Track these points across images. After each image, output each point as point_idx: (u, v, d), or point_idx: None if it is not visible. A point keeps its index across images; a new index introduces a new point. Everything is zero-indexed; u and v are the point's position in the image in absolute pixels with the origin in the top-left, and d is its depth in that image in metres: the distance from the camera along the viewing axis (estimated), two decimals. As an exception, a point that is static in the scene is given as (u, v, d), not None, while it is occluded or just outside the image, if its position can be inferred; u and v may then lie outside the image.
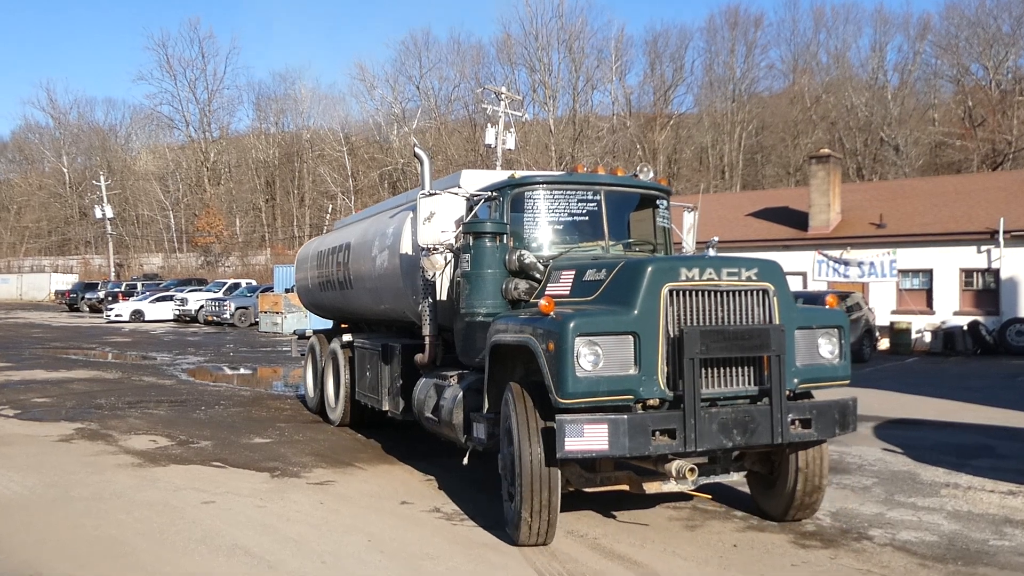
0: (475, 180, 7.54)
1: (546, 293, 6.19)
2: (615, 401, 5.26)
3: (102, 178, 60.28)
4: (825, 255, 25.11)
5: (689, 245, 7.80)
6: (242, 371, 18.10)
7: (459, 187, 7.25)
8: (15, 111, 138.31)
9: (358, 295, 10.08)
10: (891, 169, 48.01)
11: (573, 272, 6.18)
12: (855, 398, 5.93)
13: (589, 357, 5.16)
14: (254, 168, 71.21)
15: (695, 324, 5.42)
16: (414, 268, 7.87)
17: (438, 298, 7.54)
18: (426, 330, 7.61)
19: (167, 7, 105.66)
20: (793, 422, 5.54)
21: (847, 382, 5.98)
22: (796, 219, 26.73)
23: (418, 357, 7.83)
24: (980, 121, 47.15)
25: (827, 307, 6.24)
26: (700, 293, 5.49)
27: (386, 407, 8.80)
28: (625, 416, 5.15)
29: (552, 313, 5.35)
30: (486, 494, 6.91)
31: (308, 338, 12.69)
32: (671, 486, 5.75)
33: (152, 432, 9.87)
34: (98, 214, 59.17)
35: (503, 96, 32.88)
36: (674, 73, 59.52)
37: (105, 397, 12.85)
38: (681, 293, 5.44)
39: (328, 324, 12.75)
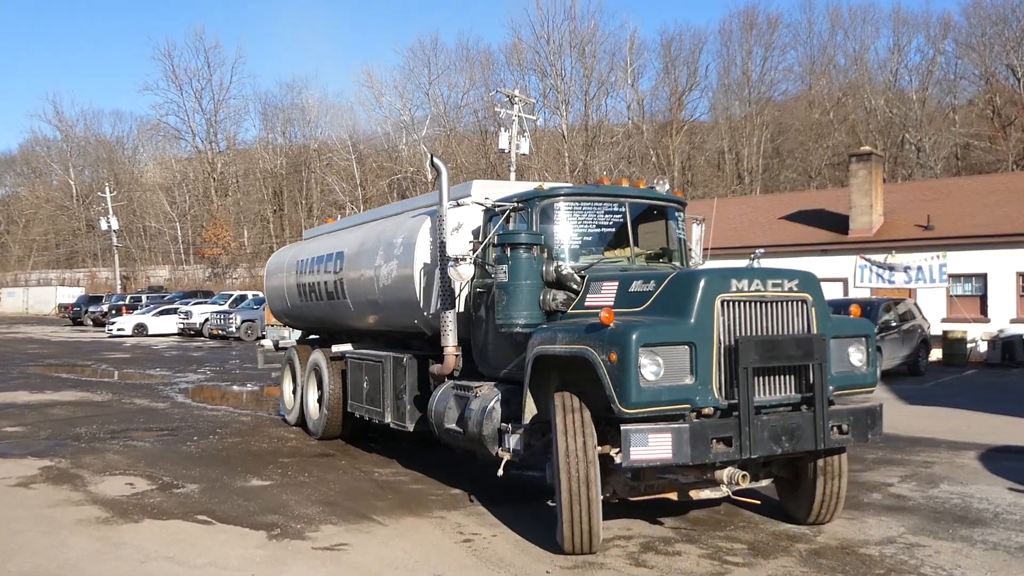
0: (487, 191, 7.55)
1: (586, 304, 6.22)
2: (674, 410, 5.24)
3: (107, 190, 59.13)
4: (868, 260, 23.36)
5: (699, 256, 7.84)
6: (248, 388, 16.61)
7: (486, 197, 7.22)
8: (22, 124, 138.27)
9: (355, 305, 9.60)
10: (916, 171, 46.32)
11: (616, 283, 6.12)
12: (881, 404, 6.05)
13: (651, 367, 5.16)
14: (261, 179, 69.92)
15: (746, 334, 5.47)
16: (430, 278, 7.78)
17: (457, 309, 7.41)
18: (448, 341, 7.41)
19: (172, 16, 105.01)
20: (832, 428, 5.65)
21: (874, 389, 6.15)
22: (835, 222, 25.00)
23: (437, 368, 7.63)
24: (1010, 121, 45.41)
25: (852, 316, 6.41)
26: (748, 304, 5.57)
27: (388, 419, 8.49)
28: (687, 425, 5.18)
29: (612, 324, 5.27)
30: (539, 555, 5.47)
31: (283, 349, 12.23)
32: (707, 493, 5.89)
33: (131, 471, 8.37)
34: (103, 226, 57.98)
35: (516, 99, 31.50)
36: (688, 77, 57.76)
37: (86, 425, 11.35)
38: (731, 304, 5.49)
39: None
